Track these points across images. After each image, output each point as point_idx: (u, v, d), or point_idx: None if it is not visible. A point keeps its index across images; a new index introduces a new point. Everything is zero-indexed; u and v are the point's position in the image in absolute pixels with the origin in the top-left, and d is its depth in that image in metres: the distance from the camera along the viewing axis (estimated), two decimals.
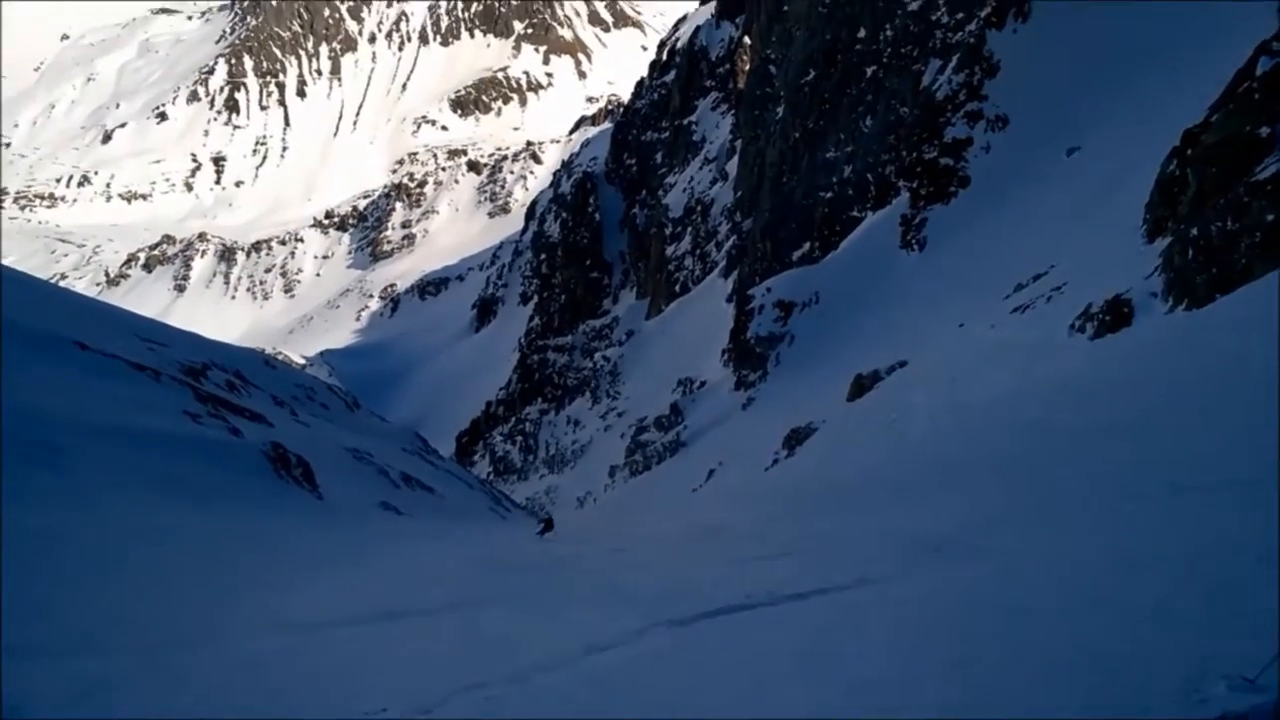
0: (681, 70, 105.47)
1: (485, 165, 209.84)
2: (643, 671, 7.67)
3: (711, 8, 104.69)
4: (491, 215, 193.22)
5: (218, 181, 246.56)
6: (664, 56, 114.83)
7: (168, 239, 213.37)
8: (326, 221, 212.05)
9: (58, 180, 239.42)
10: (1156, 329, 18.98)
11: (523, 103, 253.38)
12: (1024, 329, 27.05)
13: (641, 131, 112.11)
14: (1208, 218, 19.43)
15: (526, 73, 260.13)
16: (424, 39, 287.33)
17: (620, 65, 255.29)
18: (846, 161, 62.98)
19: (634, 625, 9.31)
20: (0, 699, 5.80)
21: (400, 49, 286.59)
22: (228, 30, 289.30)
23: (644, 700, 6.77)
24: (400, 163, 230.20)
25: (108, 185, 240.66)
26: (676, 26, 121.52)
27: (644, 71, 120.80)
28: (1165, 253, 20.89)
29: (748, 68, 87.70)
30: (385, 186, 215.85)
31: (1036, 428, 16.65)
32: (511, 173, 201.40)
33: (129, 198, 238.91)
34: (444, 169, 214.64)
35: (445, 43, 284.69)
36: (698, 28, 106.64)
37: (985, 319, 31.83)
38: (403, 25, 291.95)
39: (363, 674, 8.59)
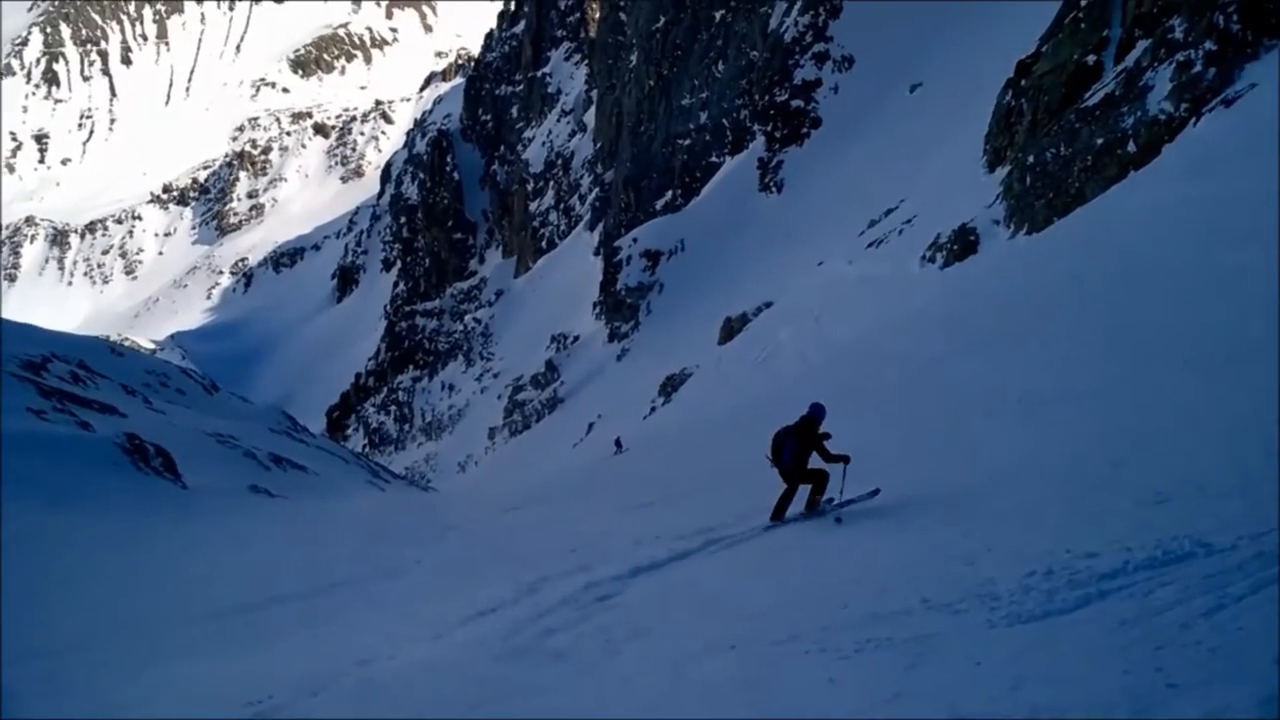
0: (531, 21, 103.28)
1: (333, 128, 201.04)
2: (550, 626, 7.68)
3: None
4: (344, 180, 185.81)
5: (42, 161, 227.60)
6: (512, 7, 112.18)
7: None
8: (165, 196, 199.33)
9: None
10: (1001, 255, 20.03)
11: (368, 60, 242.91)
12: (880, 263, 28.08)
13: (495, 85, 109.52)
14: (1042, 145, 20.52)
15: (369, 28, 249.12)
16: None
17: (467, 17, 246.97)
18: (702, 108, 63.35)
19: (528, 579, 9.30)
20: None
21: (231, 8, 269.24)
22: None
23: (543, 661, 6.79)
24: (241, 129, 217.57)
25: None
26: None
27: (493, 23, 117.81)
28: (1005, 181, 21.98)
29: (598, 16, 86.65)
30: (227, 155, 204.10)
31: (897, 357, 17.37)
32: (362, 134, 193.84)
33: None
34: (289, 133, 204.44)
35: None
36: None
37: (843, 255, 32.87)
38: None
39: (245, 662, 8.29)
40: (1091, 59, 20.68)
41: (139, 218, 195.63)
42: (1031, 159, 20.57)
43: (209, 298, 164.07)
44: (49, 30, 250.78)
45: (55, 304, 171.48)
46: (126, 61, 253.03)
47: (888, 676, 4.49)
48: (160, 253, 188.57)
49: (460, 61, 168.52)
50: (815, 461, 9.51)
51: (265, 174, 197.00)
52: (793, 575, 7.45)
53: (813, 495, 9.60)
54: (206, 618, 10.67)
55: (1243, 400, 6.96)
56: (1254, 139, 12.89)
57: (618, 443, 31.67)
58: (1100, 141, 17.99)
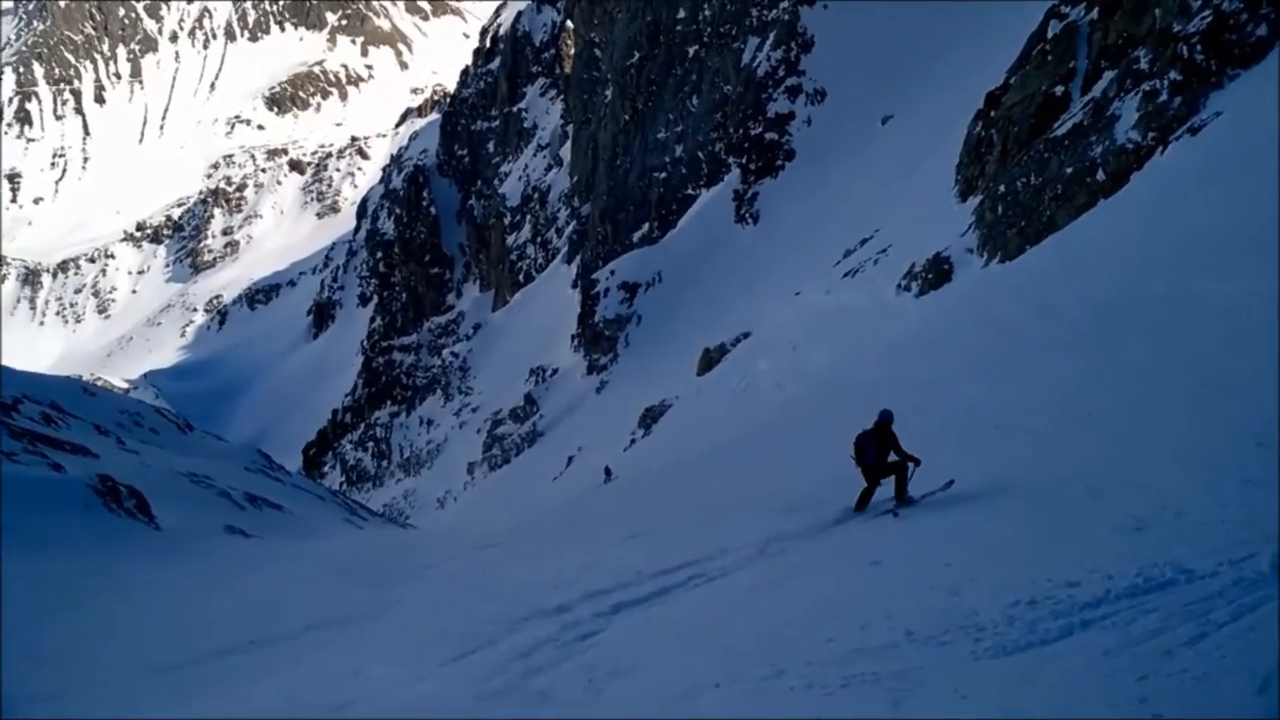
0: (506, 57, 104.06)
1: (309, 164, 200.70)
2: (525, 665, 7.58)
3: None
4: (320, 216, 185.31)
5: (14, 200, 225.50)
6: (487, 44, 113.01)
7: None
8: (139, 234, 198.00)
9: None
10: (975, 283, 20.21)
11: (343, 97, 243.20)
12: (856, 292, 28.27)
13: (471, 121, 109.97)
14: (1013, 174, 20.81)
15: (345, 65, 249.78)
16: (230, 35, 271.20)
17: (443, 54, 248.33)
18: (677, 141, 63.88)
19: (509, 617, 9.18)
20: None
21: (205, 47, 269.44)
22: (12, 37, 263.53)
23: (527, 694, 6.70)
24: (215, 166, 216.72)
25: None
26: (497, 13, 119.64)
27: (468, 60, 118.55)
28: (977, 210, 22.25)
29: (573, 52, 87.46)
30: (201, 193, 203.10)
31: (876, 385, 17.42)
32: (338, 170, 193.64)
33: None
34: (264, 170, 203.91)
35: (254, 38, 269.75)
36: (519, 13, 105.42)
37: (820, 285, 33.08)
38: (206, 22, 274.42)
39: (222, 708, 8.12)
40: (1059, 90, 21.06)
41: (112, 256, 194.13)
42: (1002, 188, 20.85)
43: (183, 336, 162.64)
44: (21, 70, 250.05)
45: (27, 344, 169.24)
46: (100, 100, 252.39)
47: (874, 712, 4.45)
48: (134, 291, 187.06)
49: (436, 98, 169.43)
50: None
51: (240, 211, 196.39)
52: (776, 610, 7.40)
53: (899, 489, 10.42)
54: (181, 663, 10.44)
55: (1216, 426, 7.02)
56: (1220, 166, 13.14)
57: (607, 471, 31.76)
58: (1070, 170, 18.27)
